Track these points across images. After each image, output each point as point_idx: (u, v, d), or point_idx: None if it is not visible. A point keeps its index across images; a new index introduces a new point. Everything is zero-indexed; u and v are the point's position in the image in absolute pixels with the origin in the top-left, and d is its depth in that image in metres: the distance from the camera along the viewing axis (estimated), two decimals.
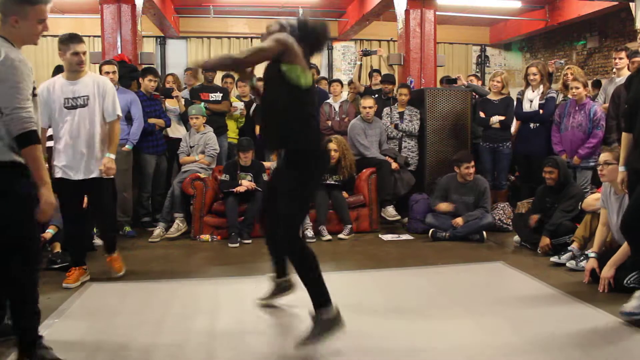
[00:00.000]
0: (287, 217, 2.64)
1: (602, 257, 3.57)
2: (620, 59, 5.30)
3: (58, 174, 3.63)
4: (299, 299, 3.11)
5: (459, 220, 5.02)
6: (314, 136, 2.75)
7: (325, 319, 2.58)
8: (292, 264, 2.69)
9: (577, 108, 5.06)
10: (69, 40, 3.56)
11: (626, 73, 5.23)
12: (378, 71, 7.37)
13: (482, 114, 5.73)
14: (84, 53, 3.63)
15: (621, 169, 3.18)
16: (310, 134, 2.69)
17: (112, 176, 3.83)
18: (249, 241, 5.00)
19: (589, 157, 5.03)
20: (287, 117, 2.63)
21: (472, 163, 5.19)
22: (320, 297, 2.62)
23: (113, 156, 3.73)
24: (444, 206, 5.16)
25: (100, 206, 3.82)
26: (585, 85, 5.06)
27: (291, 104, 2.61)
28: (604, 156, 3.70)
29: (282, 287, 3.14)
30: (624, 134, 3.16)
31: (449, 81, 7.01)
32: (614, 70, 5.55)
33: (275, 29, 2.70)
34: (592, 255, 3.65)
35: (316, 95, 2.71)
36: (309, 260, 2.64)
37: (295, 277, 2.85)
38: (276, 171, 2.90)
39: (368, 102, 5.82)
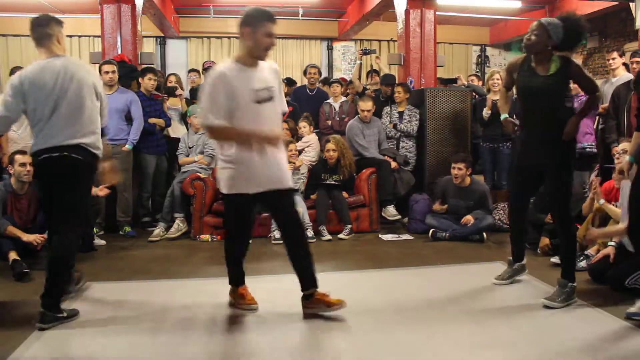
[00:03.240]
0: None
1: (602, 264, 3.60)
2: (613, 59, 5.33)
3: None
4: (298, 300, 3.12)
5: (470, 217, 5.03)
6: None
7: (571, 287, 3.22)
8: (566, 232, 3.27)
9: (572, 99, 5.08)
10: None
11: (621, 73, 5.26)
12: (377, 71, 7.36)
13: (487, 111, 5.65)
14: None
15: (627, 158, 3.09)
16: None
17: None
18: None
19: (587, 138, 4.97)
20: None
21: (461, 165, 5.07)
22: (573, 269, 3.27)
23: None
24: (436, 206, 5.22)
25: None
26: None
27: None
28: (622, 145, 3.68)
29: (517, 271, 3.70)
30: (635, 133, 3.06)
31: (444, 81, 6.99)
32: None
33: (539, 33, 3.13)
34: (612, 244, 3.63)
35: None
36: (576, 235, 3.39)
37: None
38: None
39: (367, 104, 5.81)
